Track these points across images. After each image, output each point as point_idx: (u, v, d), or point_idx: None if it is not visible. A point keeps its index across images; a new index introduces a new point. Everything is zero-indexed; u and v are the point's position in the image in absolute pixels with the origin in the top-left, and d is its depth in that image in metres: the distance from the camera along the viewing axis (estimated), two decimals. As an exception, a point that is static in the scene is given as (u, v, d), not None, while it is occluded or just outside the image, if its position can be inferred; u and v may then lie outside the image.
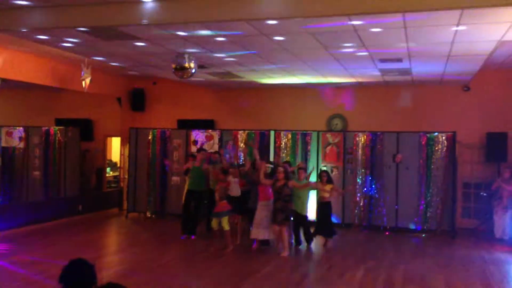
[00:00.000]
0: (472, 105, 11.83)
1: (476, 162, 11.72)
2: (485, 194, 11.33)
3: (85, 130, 14.02)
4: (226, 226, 8.90)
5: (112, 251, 9.50)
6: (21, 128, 13.36)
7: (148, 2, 6.50)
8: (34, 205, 11.91)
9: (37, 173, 13.18)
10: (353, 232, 11.09)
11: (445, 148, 10.96)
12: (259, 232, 8.88)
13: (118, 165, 14.80)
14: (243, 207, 9.57)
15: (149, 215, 12.64)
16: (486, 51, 8.18)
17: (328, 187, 9.44)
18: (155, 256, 8.59)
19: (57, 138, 13.19)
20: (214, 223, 9.06)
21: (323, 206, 9.56)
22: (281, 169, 8.95)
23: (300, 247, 9.44)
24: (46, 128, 13.31)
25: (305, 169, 10.00)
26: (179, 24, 6.80)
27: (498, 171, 11.07)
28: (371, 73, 10.65)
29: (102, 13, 6.77)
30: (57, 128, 13.38)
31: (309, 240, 9.46)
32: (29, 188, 13.18)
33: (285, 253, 8.72)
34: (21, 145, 13.26)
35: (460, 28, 6.69)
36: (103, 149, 14.58)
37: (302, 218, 9.40)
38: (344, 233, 10.84)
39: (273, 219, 8.77)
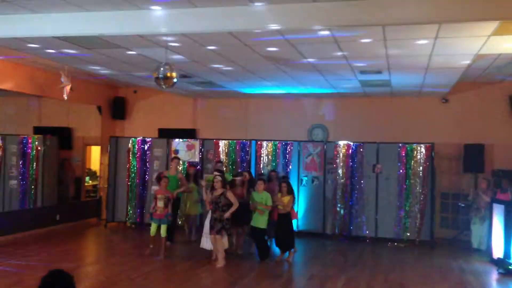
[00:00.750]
0: (450, 116, 12.04)
1: (454, 172, 11.91)
2: (463, 205, 11.50)
3: (64, 139, 13.83)
4: (164, 233, 8.99)
5: (91, 261, 9.36)
6: (-2, 136, 13.13)
7: (132, 11, 6.49)
8: (10, 214, 11.68)
9: (14, 182, 12.93)
10: (334, 242, 11.12)
11: (423, 159, 11.11)
12: (208, 242, 8.96)
13: (98, 174, 14.63)
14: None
15: (128, 225, 12.51)
16: (463, 64, 8.36)
17: (286, 199, 9.13)
18: (135, 266, 8.49)
19: (35, 146, 12.98)
20: (153, 228, 9.11)
21: (282, 219, 9.19)
22: (218, 178, 8.68)
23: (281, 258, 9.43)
24: (24, 136, 13.10)
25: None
26: (162, 34, 6.82)
27: (475, 181, 11.26)
28: (351, 84, 10.78)
29: (85, 21, 6.73)
30: (35, 136, 13.17)
31: (263, 256, 9.05)
32: (5, 197, 12.92)
33: (220, 264, 8.50)
34: (-2, 153, 13.01)
35: (438, 41, 6.83)
36: (82, 158, 14.41)
37: (259, 231, 9.06)
38: (324, 243, 10.88)
39: (210, 228, 8.67)
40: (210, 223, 8.75)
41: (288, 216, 9.21)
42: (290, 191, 9.21)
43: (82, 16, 6.67)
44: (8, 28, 7.02)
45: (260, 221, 8.98)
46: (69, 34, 7.01)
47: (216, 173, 9.04)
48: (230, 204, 8.54)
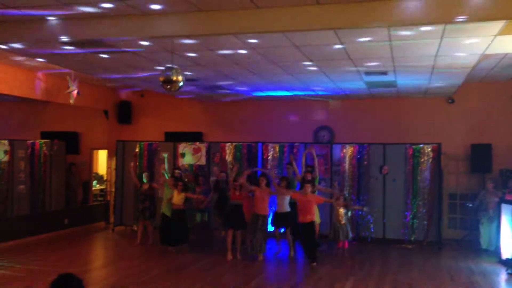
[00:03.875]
0: (457, 117, 12.00)
1: (462, 173, 11.86)
2: (470, 205, 11.44)
3: (71, 143, 13.90)
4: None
5: (99, 265, 9.39)
6: (6, 141, 13.21)
7: (136, 15, 6.53)
8: (19, 219, 11.75)
9: (22, 186, 13.00)
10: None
11: (430, 160, 11.07)
12: None
13: (105, 178, 14.69)
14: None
15: (136, 229, 12.52)
16: (469, 64, 8.33)
17: (182, 195, 9.80)
18: (143, 270, 8.52)
19: (42, 151, 13.05)
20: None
21: (175, 213, 9.88)
22: (146, 174, 10.99)
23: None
24: (32, 141, 13.18)
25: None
26: (167, 37, 6.85)
27: (483, 182, 11.20)
28: (357, 86, 10.77)
29: (90, 26, 6.77)
30: (42, 141, 13.26)
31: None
32: (14, 202, 13.00)
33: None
34: (6, 158, 13.09)
35: (444, 42, 6.82)
36: (90, 162, 14.47)
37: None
38: (332, 245, 10.84)
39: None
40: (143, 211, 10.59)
41: (181, 212, 9.91)
42: (185, 189, 9.95)
43: (88, 20, 6.72)
44: (14, 32, 7.08)
45: (167, 210, 10.08)
46: (75, 38, 7.05)
47: (177, 171, 10.61)
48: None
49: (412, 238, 11.03)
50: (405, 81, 10.05)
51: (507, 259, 8.95)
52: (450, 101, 12.12)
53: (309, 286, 7.84)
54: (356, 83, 10.40)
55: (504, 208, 9.39)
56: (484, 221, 10.41)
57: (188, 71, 9.22)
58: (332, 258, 9.71)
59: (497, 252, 9.65)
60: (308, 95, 12.33)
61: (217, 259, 9.31)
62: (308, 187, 9.27)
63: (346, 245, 9.87)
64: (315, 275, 8.40)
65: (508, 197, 9.77)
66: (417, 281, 8.02)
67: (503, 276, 8.58)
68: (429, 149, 11.10)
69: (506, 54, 8.27)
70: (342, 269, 8.70)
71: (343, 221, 9.84)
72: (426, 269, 8.90)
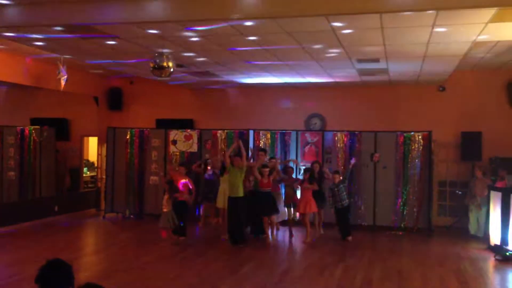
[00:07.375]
0: (448, 104, 12.04)
1: (452, 160, 11.93)
2: (460, 192, 11.54)
3: (61, 130, 13.80)
4: None
5: (90, 252, 9.39)
6: (-5, 127, 13.08)
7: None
8: (9, 206, 11.69)
9: (12, 173, 12.92)
10: (332, 230, 11.14)
11: (421, 147, 11.12)
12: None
13: (96, 165, 14.62)
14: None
15: (127, 216, 12.53)
16: (460, 51, 8.34)
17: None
18: (134, 257, 8.52)
19: (32, 138, 12.95)
20: None
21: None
22: (209, 161, 10.80)
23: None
24: (21, 127, 13.07)
25: None
26: (156, 22, 6.77)
27: (473, 169, 11.28)
28: (349, 73, 10.75)
29: (78, 10, 6.68)
30: (32, 127, 13.15)
31: None
32: (3, 188, 12.92)
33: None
34: (-5, 145, 12.99)
35: (436, 29, 6.81)
36: (80, 149, 14.39)
37: None
38: (323, 231, 10.91)
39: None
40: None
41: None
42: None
43: (80, 4, 6.62)
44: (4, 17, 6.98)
45: None
46: (67, 23, 6.96)
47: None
48: None
49: (402, 225, 11.11)
50: (397, 68, 10.04)
51: (496, 245, 9.06)
52: (441, 89, 12.15)
53: (299, 271, 7.88)
54: (348, 71, 10.37)
55: (493, 195, 9.47)
56: (473, 208, 10.51)
57: (178, 57, 9.14)
58: (321, 245, 9.76)
59: (485, 238, 9.75)
60: (300, 83, 12.30)
61: (209, 246, 9.33)
62: (182, 169, 9.78)
63: (164, 234, 9.35)
64: (305, 261, 8.46)
65: (498, 185, 9.86)
66: (406, 267, 8.10)
67: (491, 262, 8.69)
68: (420, 137, 11.14)
69: (498, 41, 8.28)
70: (333, 256, 8.76)
71: (165, 209, 9.17)
72: (416, 255, 8.99)
